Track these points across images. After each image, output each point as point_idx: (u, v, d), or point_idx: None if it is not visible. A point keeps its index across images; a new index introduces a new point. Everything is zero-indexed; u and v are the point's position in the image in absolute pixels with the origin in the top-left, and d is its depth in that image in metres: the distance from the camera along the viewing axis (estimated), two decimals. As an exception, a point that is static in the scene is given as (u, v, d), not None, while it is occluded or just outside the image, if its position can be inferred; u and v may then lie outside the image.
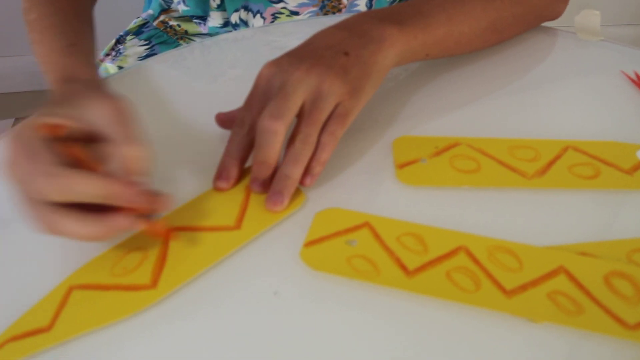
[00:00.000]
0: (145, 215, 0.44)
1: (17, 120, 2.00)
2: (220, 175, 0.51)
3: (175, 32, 0.91)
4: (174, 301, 0.44)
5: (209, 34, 0.90)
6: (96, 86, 0.50)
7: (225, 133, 0.56)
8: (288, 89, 0.49)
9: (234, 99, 0.56)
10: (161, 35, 0.91)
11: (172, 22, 0.91)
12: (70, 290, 0.45)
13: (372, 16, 0.56)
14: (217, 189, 0.52)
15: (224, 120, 0.57)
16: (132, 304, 0.44)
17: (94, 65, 0.58)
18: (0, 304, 0.45)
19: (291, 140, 0.49)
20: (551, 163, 0.52)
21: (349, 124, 0.51)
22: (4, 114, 2.05)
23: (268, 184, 0.50)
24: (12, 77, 2.13)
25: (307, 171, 0.50)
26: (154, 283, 0.45)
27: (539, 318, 0.41)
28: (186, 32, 0.91)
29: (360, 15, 0.57)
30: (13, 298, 0.46)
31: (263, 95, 0.51)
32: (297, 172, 0.49)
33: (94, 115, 0.45)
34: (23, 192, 0.43)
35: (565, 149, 0.53)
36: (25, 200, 0.43)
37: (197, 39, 0.92)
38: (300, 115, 0.50)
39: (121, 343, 0.42)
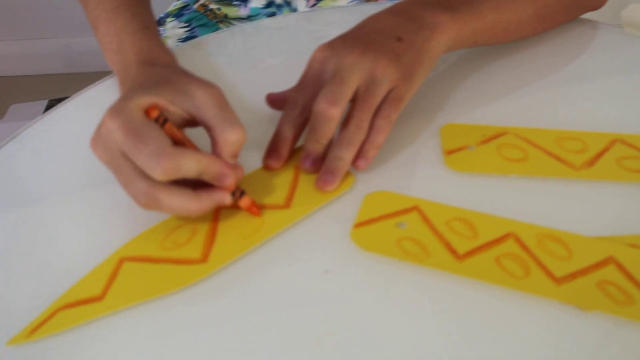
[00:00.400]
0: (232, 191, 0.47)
1: (51, 102, 2.02)
2: (270, 153, 0.52)
3: (215, 16, 0.92)
4: (224, 276, 0.45)
5: (249, 17, 0.90)
6: (185, 72, 0.51)
7: (266, 114, 0.57)
8: (343, 74, 0.49)
9: (273, 85, 0.56)
10: (201, 18, 0.92)
11: (212, 6, 0.91)
12: (121, 261, 0.46)
13: (424, 1, 0.56)
14: (267, 167, 0.52)
15: (275, 100, 0.57)
16: (182, 278, 0.45)
17: (164, 47, 0.59)
18: (54, 272, 0.46)
19: (345, 124, 0.50)
20: (599, 155, 0.52)
21: (402, 108, 0.51)
22: (38, 95, 2.07)
23: (319, 163, 0.51)
24: (46, 59, 2.15)
25: (361, 154, 0.50)
26: (204, 258, 0.46)
27: (589, 306, 0.41)
28: (226, 15, 0.92)
29: (412, 0, 0.57)
30: (66, 266, 0.47)
31: (316, 78, 0.51)
32: (349, 155, 0.49)
33: (198, 102, 0.46)
34: (124, 168, 0.44)
35: (613, 142, 0.53)
36: (126, 175, 0.45)
37: (236, 22, 0.92)
38: (354, 100, 0.50)
39: (170, 316, 0.43)
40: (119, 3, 0.61)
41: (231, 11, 0.92)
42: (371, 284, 0.43)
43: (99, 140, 0.46)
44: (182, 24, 0.91)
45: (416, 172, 0.52)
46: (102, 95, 0.65)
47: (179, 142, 0.46)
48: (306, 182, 0.51)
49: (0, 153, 0.59)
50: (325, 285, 0.43)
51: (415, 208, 0.48)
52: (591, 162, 0.51)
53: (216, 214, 0.49)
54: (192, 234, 0.47)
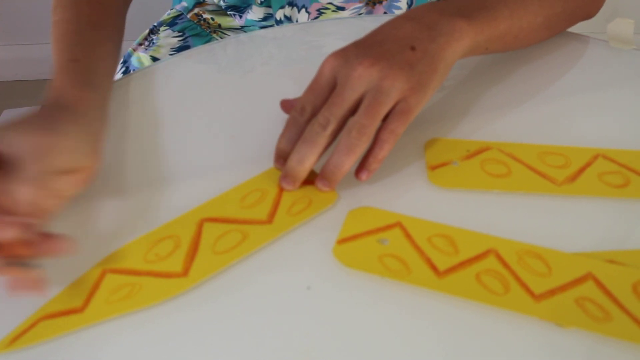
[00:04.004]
0: (25, 259, 0.43)
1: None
2: (278, 158, 0.53)
3: (209, 25, 0.93)
4: (205, 291, 0.45)
5: (243, 27, 0.91)
6: (60, 116, 0.49)
7: (259, 124, 0.57)
8: (345, 92, 0.49)
9: (267, 94, 0.57)
10: (195, 28, 0.92)
11: (206, 15, 0.92)
12: (104, 273, 0.47)
13: (442, 8, 0.55)
14: (277, 168, 0.53)
15: (288, 106, 0.58)
16: (162, 292, 0.45)
17: (87, 85, 0.55)
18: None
19: (346, 129, 0.49)
20: (581, 170, 0.52)
21: (411, 120, 0.50)
22: (31, 101, 2.06)
23: (298, 183, 0.51)
24: (39, 64, 2.15)
25: (363, 166, 0.51)
26: (185, 271, 0.46)
27: (567, 323, 0.41)
28: (219, 25, 0.92)
29: (429, 6, 0.56)
30: (49, 277, 0.47)
31: (327, 86, 0.51)
32: (348, 162, 0.49)
33: (17, 144, 0.45)
34: None
35: (595, 157, 0.54)
36: None
37: (230, 33, 0.93)
38: (360, 107, 0.49)
39: (151, 329, 0.43)
40: (64, 31, 0.60)
41: (225, 21, 0.92)
42: (353, 301, 0.44)
43: None
44: (176, 34, 0.92)
45: (400, 188, 0.52)
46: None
47: None
48: (289, 197, 0.51)
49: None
50: (307, 302, 0.44)
51: (397, 224, 0.48)
52: (573, 178, 0.52)
53: (199, 227, 0.49)
54: (175, 247, 0.48)
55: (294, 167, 0.50)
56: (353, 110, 0.50)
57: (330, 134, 0.49)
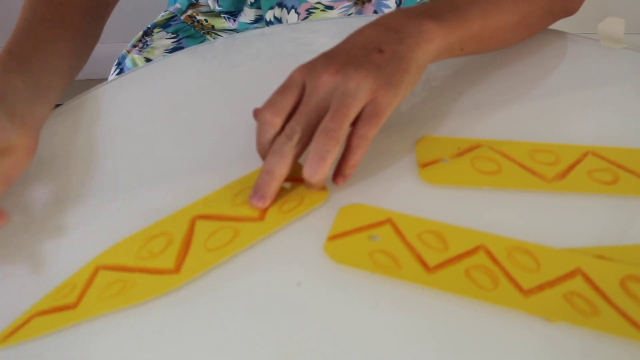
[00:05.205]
0: None
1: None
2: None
3: (202, 27, 0.93)
4: (196, 287, 0.46)
5: (236, 30, 0.91)
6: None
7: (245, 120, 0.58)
8: (311, 100, 0.49)
9: (254, 90, 0.57)
10: (188, 29, 0.93)
11: (200, 17, 0.92)
12: (97, 270, 0.47)
13: (409, 12, 0.55)
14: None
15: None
16: (154, 288, 0.45)
17: (13, 71, 0.55)
18: (30, 279, 0.47)
19: (315, 136, 0.48)
20: (571, 167, 0.53)
21: (382, 122, 0.49)
22: None
23: (269, 199, 0.50)
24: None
25: (338, 172, 0.51)
26: (177, 268, 0.46)
27: (555, 318, 0.42)
28: (213, 27, 0.93)
29: (397, 11, 0.56)
30: (42, 274, 0.47)
31: (293, 95, 0.50)
32: (321, 169, 0.48)
33: None
34: None
35: (585, 154, 0.54)
36: None
37: (223, 34, 0.93)
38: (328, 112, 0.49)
39: (143, 325, 0.43)
40: (16, 27, 0.61)
41: (218, 22, 0.93)
42: (343, 297, 0.44)
43: None
44: (170, 35, 0.92)
45: (391, 185, 0.52)
46: (85, 106, 0.66)
47: None
48: (282, 195, 0.51)
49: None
50: (298, 298, 0.44)
51: (388, 221, 0.49)
52: (563, 175, 0.52)
53: (191, 225, 0.49)
54: (167, 244, 0.48)
55: (264, 178, 0.49)
56: (322, 118, 0.49)
57: (297, 144, 0.49)
